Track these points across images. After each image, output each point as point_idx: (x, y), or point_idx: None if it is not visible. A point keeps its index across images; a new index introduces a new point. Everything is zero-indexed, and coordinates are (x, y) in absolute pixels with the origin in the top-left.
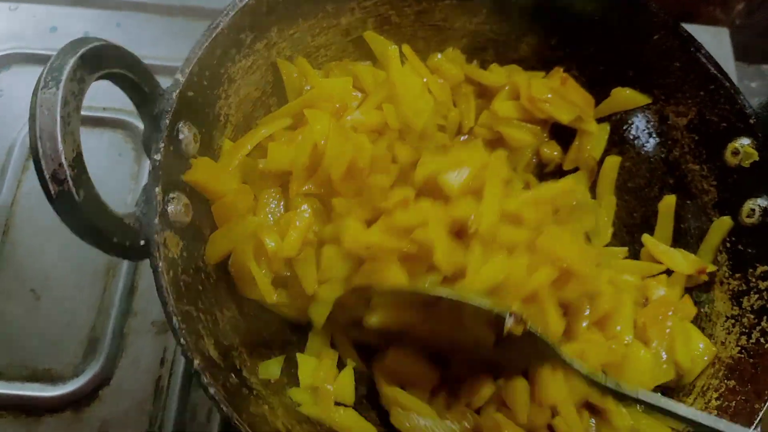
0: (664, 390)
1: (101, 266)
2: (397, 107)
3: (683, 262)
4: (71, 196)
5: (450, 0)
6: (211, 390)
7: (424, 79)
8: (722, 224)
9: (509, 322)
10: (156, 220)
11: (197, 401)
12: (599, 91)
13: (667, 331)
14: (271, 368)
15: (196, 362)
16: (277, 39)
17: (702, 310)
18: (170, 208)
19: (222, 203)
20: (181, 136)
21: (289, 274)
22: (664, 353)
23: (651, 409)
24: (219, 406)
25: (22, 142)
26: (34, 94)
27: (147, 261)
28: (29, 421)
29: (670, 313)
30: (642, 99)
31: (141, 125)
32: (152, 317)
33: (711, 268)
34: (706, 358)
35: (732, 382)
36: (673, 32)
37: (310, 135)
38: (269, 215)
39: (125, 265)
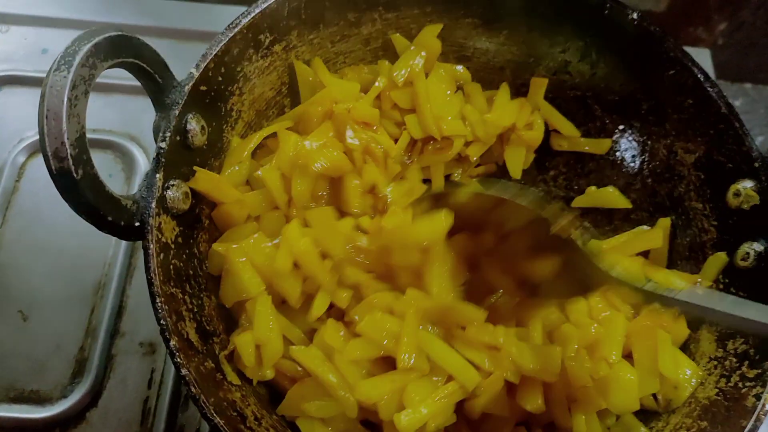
0: (650, 414)
1: (89, 287)
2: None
3: (679, 280)
4: (70, 174)
5: (472, 19)
6: (183, 371)
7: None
8: (717, 259)
9: (561, 221)
10: (153, 204)
11: (184, 422)
12: (614, 120)
13: (653, 346)
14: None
15: (172, 342)
16: (296, 42)
17: (687, 349)
18: (169, 193)
19: (220, 210)
20: (189, 128)
21: None
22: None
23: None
24: (188, 387)
25: (12, 162)
26: (47, 75)
27: (136, 281)
28: None
29: (660, 327)
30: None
31: (131, 147)
32: (140, 338)
33: (706, 283)
34: (693, 382)
35: (704, 423)
36: (688, 69)
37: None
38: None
39: (113, 285)
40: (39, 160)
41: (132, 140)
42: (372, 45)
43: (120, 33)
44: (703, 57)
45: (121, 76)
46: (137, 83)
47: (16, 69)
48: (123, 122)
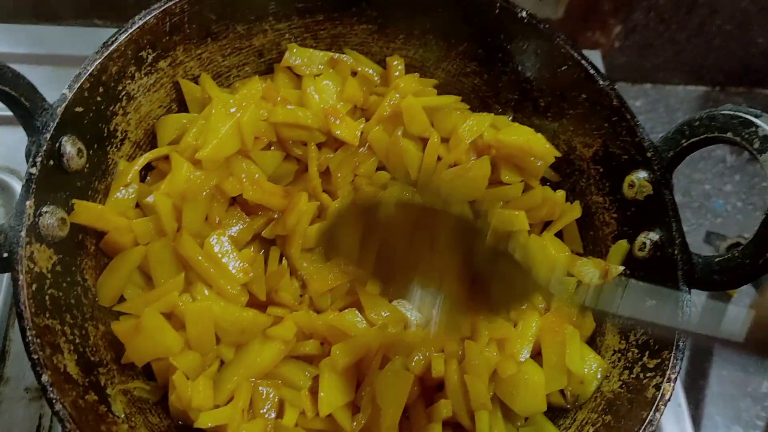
0: (558, 411)
1: None
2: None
3: (593, 268)
4: None
5: (367, 25)
6: (57, 406)
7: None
8: (619, 248)
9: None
10: (23, 233)
11: None
12: (516, 118)
13: (561, 341)
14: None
15: (44, 377)
16: (183, 58)
17: (593, 343)
18: (42, 221)
19: (106, 239)
20: (63, 151)
21: None
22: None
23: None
24: (62, 423)
25: None
26: None
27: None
28: None
29: (568, 323)
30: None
31: (10, 180)
32: (26, 382)
33: (615, 270)
34: (599, 375)
35: (609, 417)
36: (579, 64)
37: (169, 186)
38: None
39: None
40: None
41: (11, 173)
42: (266, 56)
43: None
44: (594, 59)
45: None
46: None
47: None
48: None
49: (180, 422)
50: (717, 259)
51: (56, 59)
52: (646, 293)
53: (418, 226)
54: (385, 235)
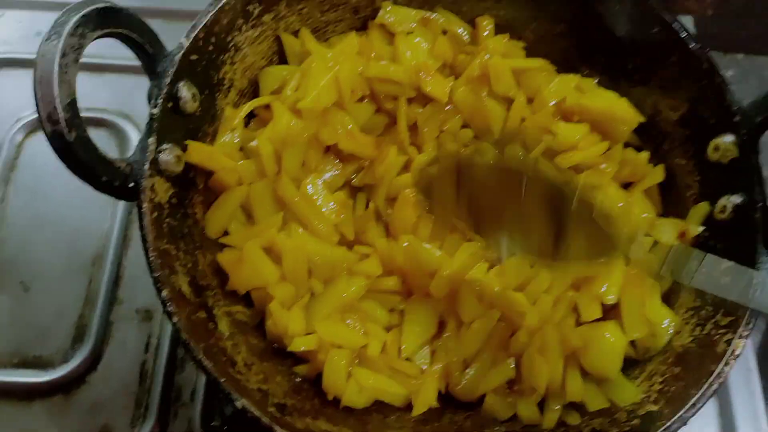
0: (627, 362)
1: (88, 258)
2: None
3: (671, 228)
4: (63, 136)
5: None
6: (174, 318)
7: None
8: (700, 209)
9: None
10: (146, 166)
11: (181, 383)
12: (602, 81)
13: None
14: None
15: (164, 293)
16: (285, 12)
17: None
18: (161, 157)
19: (214, 178)
20: (180, 94)
21: None
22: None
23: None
24: (179, 333)
25: (11, 140)
26: (40, 45)
27: (131, 252)
28: (20, 405)
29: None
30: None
31: (124, 124)
32: (137, 305)
33: (694, 230)
34: (671, 331)
35: (678, 369)
36: (670, 26)
37: (271, 132)
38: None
39: (110, 256)
40: (36, 138)
41: (125, 118)
42: (361, 13)
43: (108, 5)
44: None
45: (114, 55)
46: (130, 62)
47: (12, 51)
48: (116, 100)
49: (275, 345)
50: None
51: (166, 14)
52: (722, 272)
53: (508, 186)
54: (477, 190)
